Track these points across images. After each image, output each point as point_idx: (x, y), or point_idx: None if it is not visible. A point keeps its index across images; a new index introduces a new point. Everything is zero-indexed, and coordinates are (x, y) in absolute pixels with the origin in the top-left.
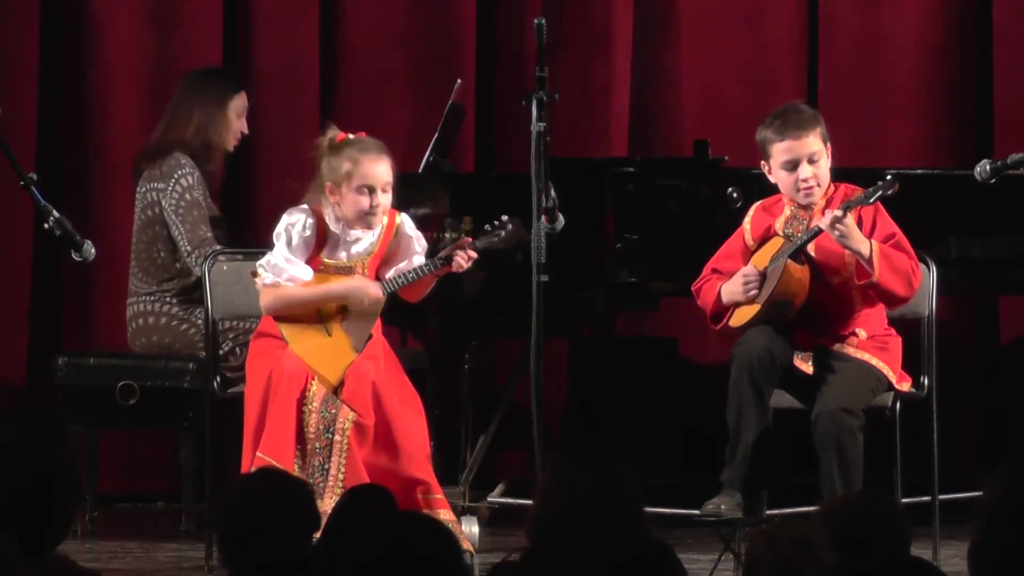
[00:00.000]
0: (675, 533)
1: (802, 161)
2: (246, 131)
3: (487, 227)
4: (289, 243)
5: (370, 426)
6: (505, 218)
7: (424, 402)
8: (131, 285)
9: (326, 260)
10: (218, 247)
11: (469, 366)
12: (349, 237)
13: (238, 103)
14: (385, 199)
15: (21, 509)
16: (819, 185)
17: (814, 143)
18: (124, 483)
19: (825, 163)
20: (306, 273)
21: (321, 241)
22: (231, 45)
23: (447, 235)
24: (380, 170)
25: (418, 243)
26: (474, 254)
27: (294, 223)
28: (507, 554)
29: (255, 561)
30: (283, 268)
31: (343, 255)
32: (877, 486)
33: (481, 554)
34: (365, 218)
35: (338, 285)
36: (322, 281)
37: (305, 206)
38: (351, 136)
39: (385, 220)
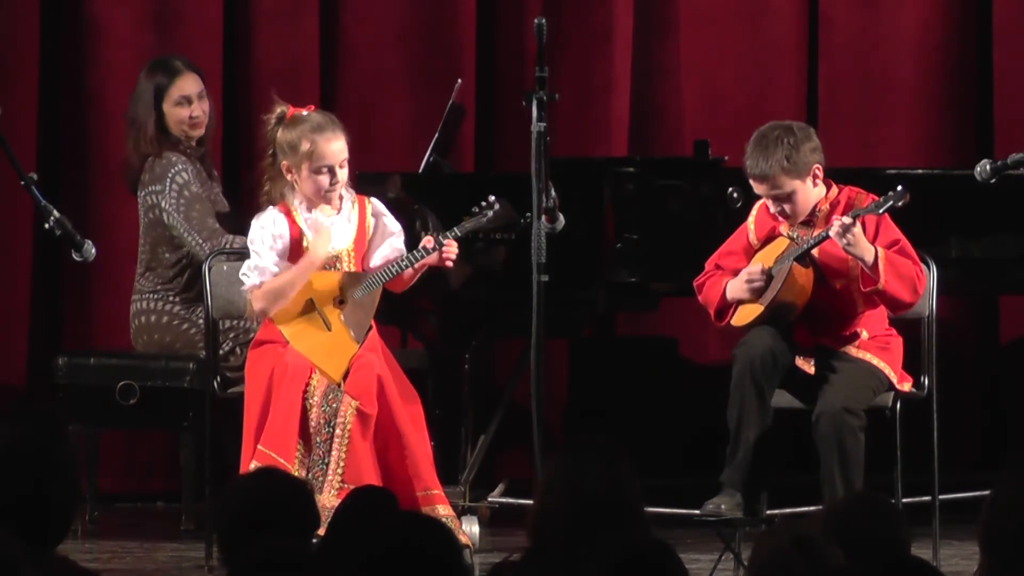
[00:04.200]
0: (675, 533)
1: (769, 197)
2: (197, 114)
3: (474, 209)
4: (264, 245)
5: (373, 415)
6: (492, 199)
7: (424, 402)
8: (136, 283)
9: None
10: (229, 237)
11: (469, 366)
12: (324, 225)
13: (173, 95)
14: (343, 174)
15: (21, 509)
16: (792, 215)
17: (777, 185)
18: (124, 483)
19: (803, 195)
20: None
21: (297, 237)
22: (231, 45)
23: (424, 232)
24: (336, 148)
25: (392, 223)
26: (454, 242)
27: (264, 225)
28: (507, 554)
29: (255, 561)
30: (264, 268)
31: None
32: (877, 487)
33: (481, 554)
34: (324, 195)
35: (305, 258)
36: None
37: (271, 208)
38: (303, 112)
39: (356, 206)
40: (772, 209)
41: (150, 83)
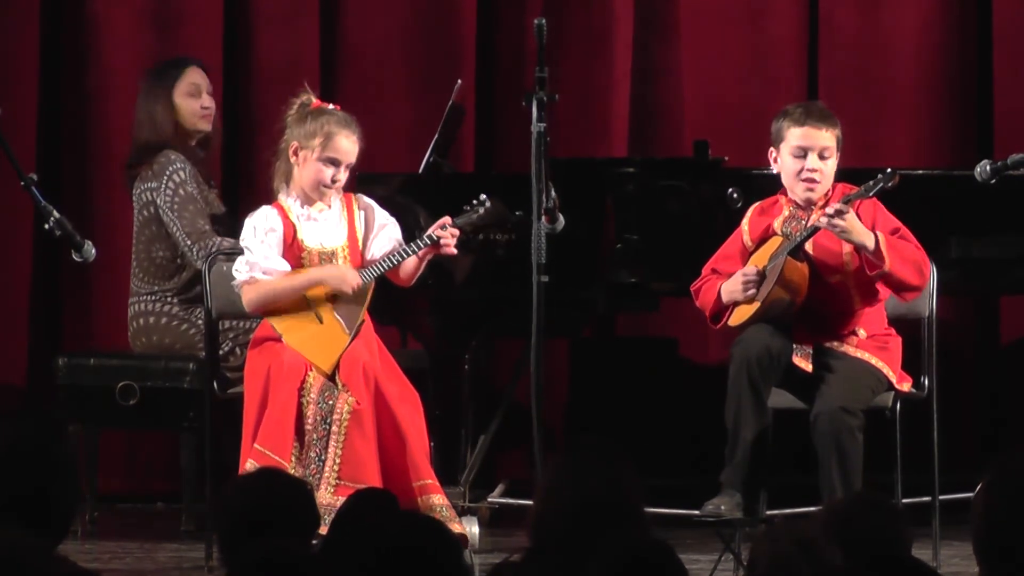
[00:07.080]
0: (675, 533)
1: (813, 152)
2: (207, 105)
3: (465, 207)
4: (256, 240)
5: (365, 409)
6: (483, 197)
7: (424, 402)
8: (132, 285)
9: (308, 246)
10: (217, 239)
11: (469, 366)
12: (316, 221)
13: (184, 84)
14: (343, 176)
15: (21, 509)
16: (821, 183)
17: (829, 139)
18: (124, 483)
19: (832, 165)
20: (282, 265)
21: (290, 231)
22: (231, 45)
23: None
24: (349, 146)
25: (381, 213)
26: (456, 231)
27: (256, 223)
28: (507, 554)
29: (255, 561)
30: (256, 263)
31: (319, 240)
32: (877, 487)
33: (481, 554)
34: (320, 189)
35: (316, 271)
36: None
37: (264, 206)
38: (329, 106)
39: (344, 204)
40: (808, 165)
41: (155, 78)
